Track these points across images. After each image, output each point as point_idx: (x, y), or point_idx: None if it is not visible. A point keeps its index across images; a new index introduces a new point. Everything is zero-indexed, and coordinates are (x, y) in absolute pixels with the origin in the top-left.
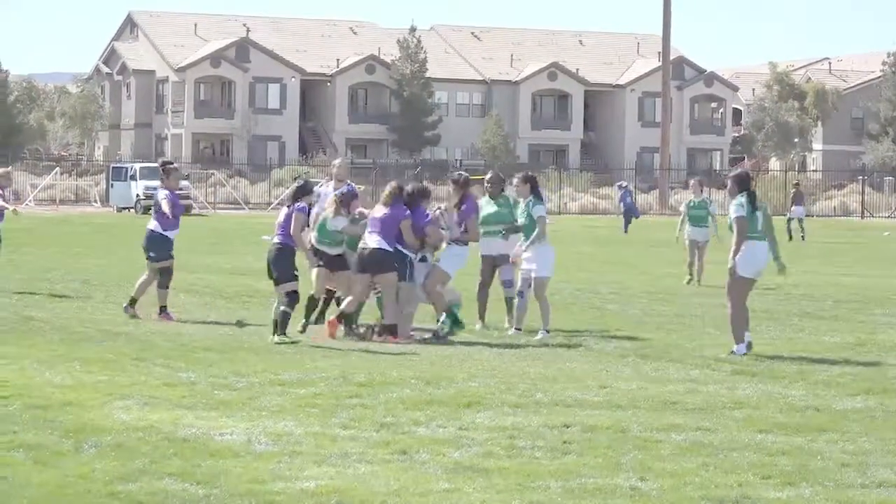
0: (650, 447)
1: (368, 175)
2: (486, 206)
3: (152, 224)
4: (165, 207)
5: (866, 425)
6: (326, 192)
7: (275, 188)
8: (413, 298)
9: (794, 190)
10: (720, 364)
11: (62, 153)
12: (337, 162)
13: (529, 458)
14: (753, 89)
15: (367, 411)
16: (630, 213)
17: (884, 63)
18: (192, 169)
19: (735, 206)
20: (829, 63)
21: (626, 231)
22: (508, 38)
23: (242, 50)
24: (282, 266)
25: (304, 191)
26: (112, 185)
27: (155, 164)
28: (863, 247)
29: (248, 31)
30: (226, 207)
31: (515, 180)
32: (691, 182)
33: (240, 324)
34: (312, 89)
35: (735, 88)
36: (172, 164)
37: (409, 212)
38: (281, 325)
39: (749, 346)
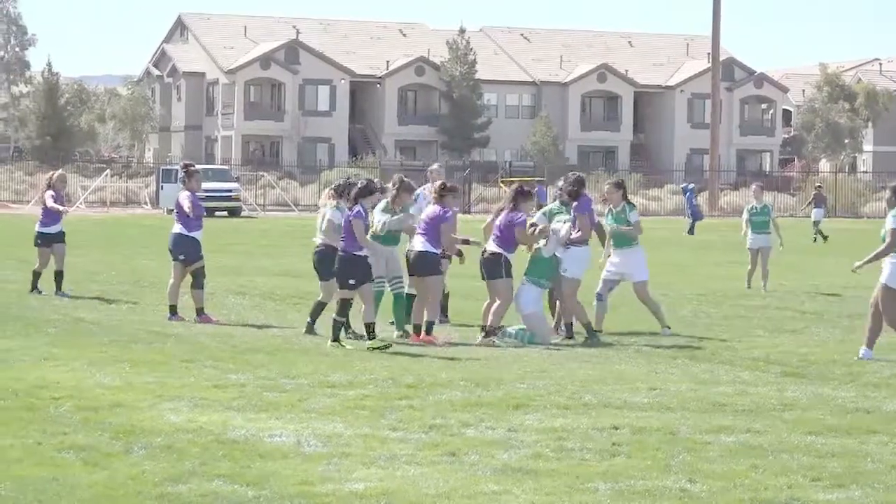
0: (699, 449)
1: (418, 177)
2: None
3: (177, 227)
4: (187, 208)
5: None
6: (425, 195)
7: (324, 190)
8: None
9: (815, 192)
10: (769, 366)
11: (112, 155)
12: (434, 167)
13: (578, 460)
14: (803, 90)
15: (416, 413)
16: (695, 215)
17: None
18: (242, 171)
19: (892, 218)
20: (880, 64)
21: (692, 233)
22: (557, 40)
23: (292, 52)
24: (336, 271)
25: (367, 191)
26: (162, 187)
27: (207, 167)
28: None
29: (297, 32)
30: (275, 209)
31: (607, 187)
32: (753, 187)
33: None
34: (362, 91)
35: (785, 90)
36: (193, 166)
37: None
38: (333, 331)
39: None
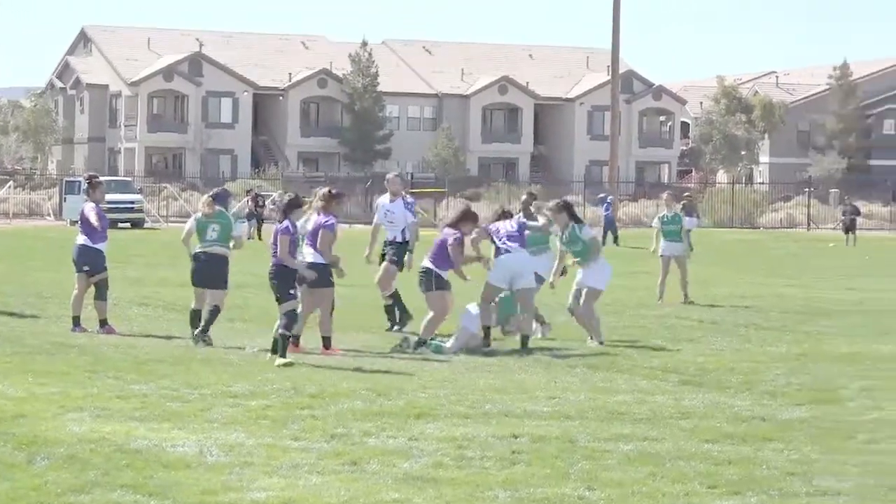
0: (598, 457)
1: (319, 186)
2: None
3: (81, 238)
4: (94, 220)
5: (811, 435)
6: (384, 203)
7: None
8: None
9: (684, 201)
10: (667, 374)
11: (15, 167)
12: (389, 176)
13: (478, 469)
14: (701, 102)
15: (318, 422)
16: (609, 226)
17: (829, 77)
18: (145, 183)
19: None
20: (776, 77)
21: (614, 243)
22: (459, 52)
23: (195, 64)
24: (274, 285)
25: (295, 205)
26: (65, 198)
27: (110, 178)
28: (809, 258)
29: (200, 45)
30: (178, 221)
31: (549, 211)
32: (664, 196)
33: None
34: (264, 103)
35: (683, 102)
36: (98, 177)
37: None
38: (281, 347)
39: None
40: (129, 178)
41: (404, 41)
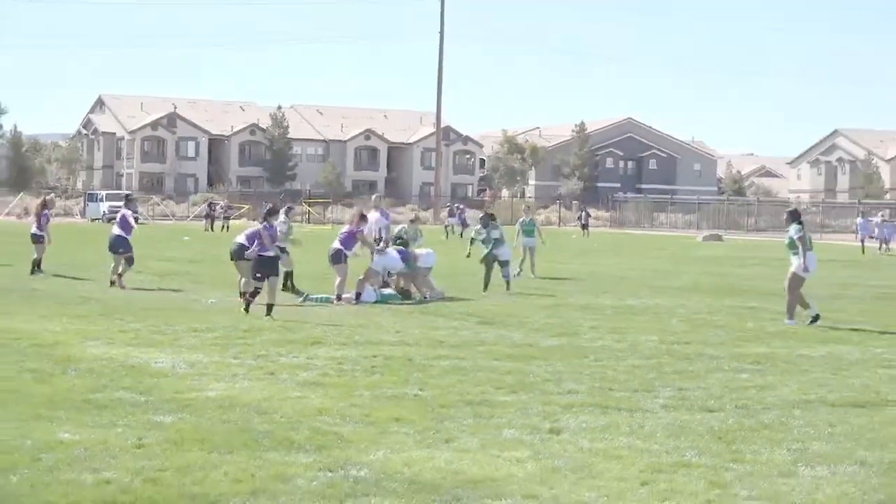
0: (427, 369)
1: (250, 199)
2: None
3: (117, 230)
4: (130, 221)
5: (560, 355)
6: (371, 216)
7: (191, 207)
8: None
9: (458, 206)
10: (470, 317)
11: (55, 184)
12: (374, 197)
13: (350, 377)
14: (493, 146)
15: (249, 347)
16: (464, 224)
17: (572, 130)
18: (139, 194)
19: (794, 229)
20: (539, 130)
21: (461, 235)
22: (339, 113)
23: (171, 119)
24: (252, 268)
25: (273, 212)
26: (87, 204)
27: (116, 192)
28: (560, 245)
29: (175, 107)
30: (161, 219)
31: (524, 207)
32: (523, 207)
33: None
34: (216, 145)
35: (481, 145)
36: (132, 195)
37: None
38: (247, 305)
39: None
40: (129, 192)
41: (305, 105)
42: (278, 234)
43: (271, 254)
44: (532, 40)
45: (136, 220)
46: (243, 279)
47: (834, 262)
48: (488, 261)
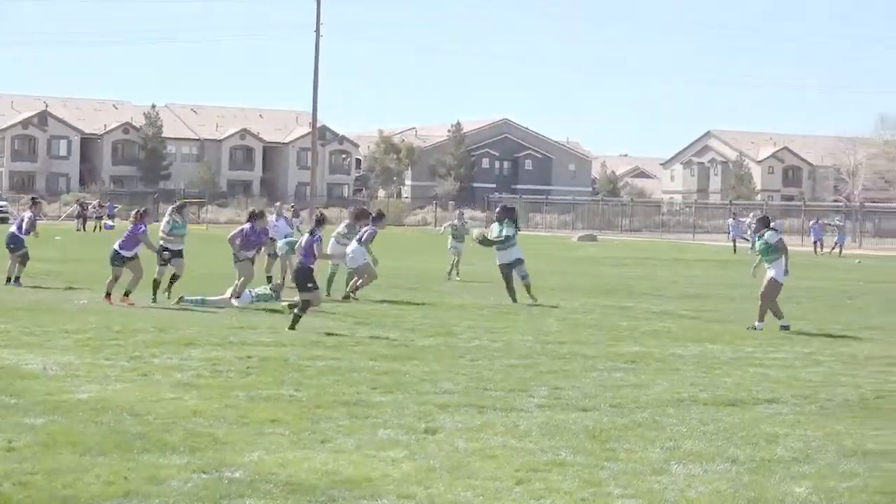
0: (302, 370)
1: (124, 198)
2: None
3: (13, 228)
4: (26, 223)
5: (436, 355)
6: (273, 221)
7: (63, 206)
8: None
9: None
10: (347, 318)
11: None
12: (287, 204)
13: (226, 378)
14: (369, 146)
15: (122, 349)
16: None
17: (448, 131)
18: (9, 194)
19: (770, 235)
20: (416, 130)
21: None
22: (214, 112)
23: (43, 118)
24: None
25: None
26: None
27: None
28: (434, 245)
29: (46, 106)
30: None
31: (498, 209)
32: (456, 212)
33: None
34: (88, 144)
35: (357, 146)
36: (37, 198)
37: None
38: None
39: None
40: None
41: (180, 104)
42: (169, 231)
43: (313, 266)
44: (409, 40)
45: (3, 218)
46: (109, 279)
47: (706, 262)
48: (504, 271)
